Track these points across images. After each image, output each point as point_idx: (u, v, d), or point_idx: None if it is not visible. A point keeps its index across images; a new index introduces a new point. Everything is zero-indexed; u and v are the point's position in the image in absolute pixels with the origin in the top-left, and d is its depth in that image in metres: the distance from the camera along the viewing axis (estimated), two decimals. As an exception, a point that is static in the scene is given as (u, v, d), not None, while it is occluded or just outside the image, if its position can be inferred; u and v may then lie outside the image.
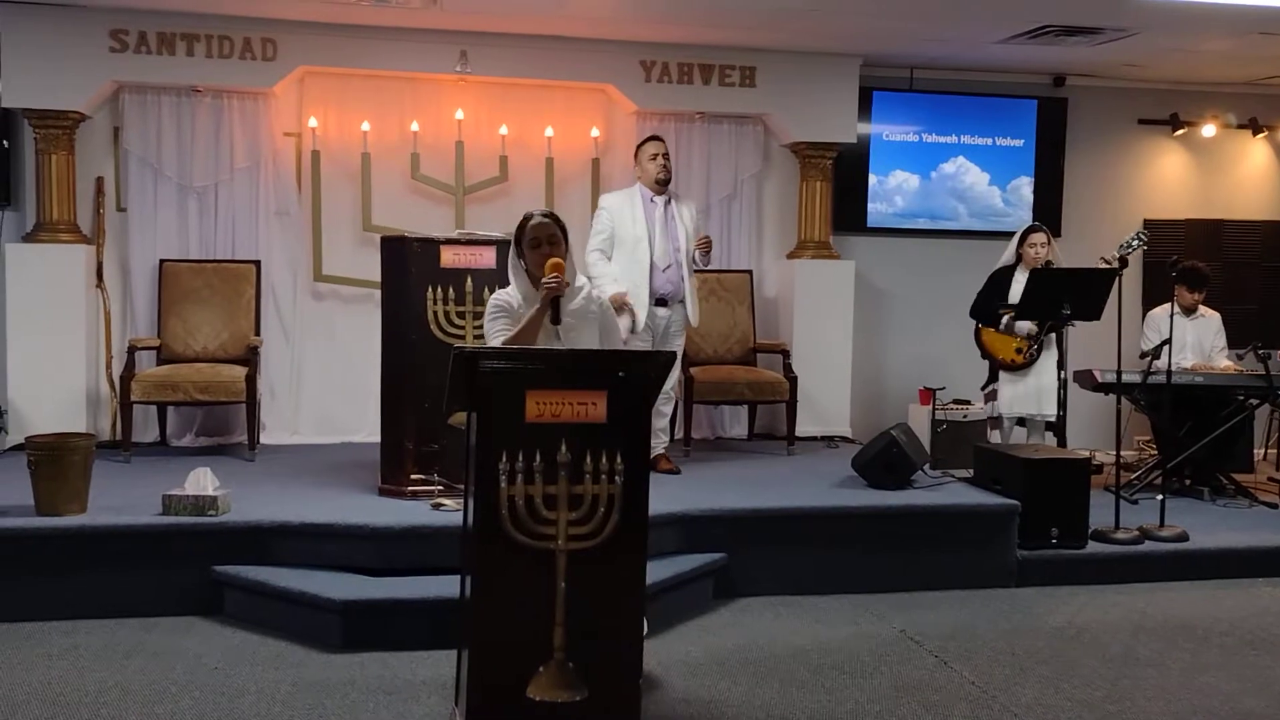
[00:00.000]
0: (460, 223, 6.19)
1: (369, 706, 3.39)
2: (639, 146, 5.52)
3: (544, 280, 3.45)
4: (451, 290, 4.64)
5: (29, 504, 4.28)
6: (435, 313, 4.62)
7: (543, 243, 3.50)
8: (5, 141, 6.04)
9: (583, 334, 3.57)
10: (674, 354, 3.24)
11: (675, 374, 5.44)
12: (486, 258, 4.68)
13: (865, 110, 6.95)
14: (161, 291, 6.06)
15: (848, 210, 7.09)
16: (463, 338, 4.62)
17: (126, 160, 6.17)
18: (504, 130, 6.34)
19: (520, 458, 2.88)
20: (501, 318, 3.56)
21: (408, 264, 4.66)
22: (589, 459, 2.92)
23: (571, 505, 2.92)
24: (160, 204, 6.19)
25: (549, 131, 6.39)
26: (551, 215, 3.59)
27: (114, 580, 4.17)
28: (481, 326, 4.59)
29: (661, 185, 5.39)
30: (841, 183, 7.00)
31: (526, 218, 3.57)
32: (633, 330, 4.99)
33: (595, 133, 6.52)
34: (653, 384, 3.04)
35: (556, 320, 3.45)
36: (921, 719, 3.42)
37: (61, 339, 5.91)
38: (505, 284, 4.62)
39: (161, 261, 6.11)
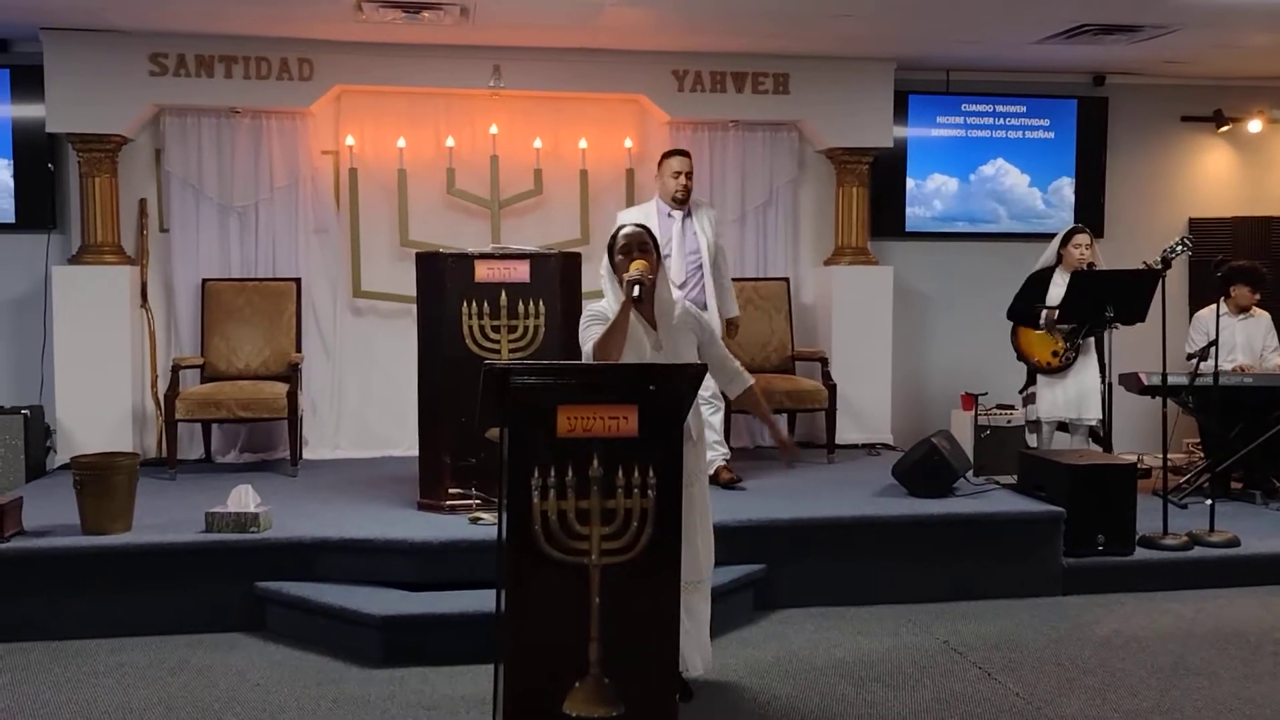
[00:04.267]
0: (496, 236, 6.22)
1: (408, 722, 3.40)
2: (663, 158, 5.43)
3: (626, 276, 3.44)
4: (486, 304, 4.65)
5: (75, 523, 4.35)
6: (470, 327, 4.64)
7: (634, 249, 3.51)
8: (51, 165, 6.17)
9: (680, 346, 3.56)
10: (704, 366, 3.20)
11: (712, 380, 5.36)
12: (521, 271, 4.69)
13: (901, 114, 6.89)
14: (204, 310, 6.16)
15: (885, 215, 7.03)
16: (498, 352, 4.63)
17: (168, 182, 6.27)
18: (538, 143, 6.36)
19: (552, 472, 2.88)
20: (595, 324, 3.53)
21: (443, 279, 4.68)
22: (621, 473, 2.91)
23: (604, 520, 2.91)
24: (202, 224, 6.29)
25: (583, 144, 6.41)
26: (643, 227, 3.62)
27: (159, 598, 4.23)
28: (517, 340, 4.66)
29: (679, 203, 5.33)
30: (879, 187, 6.94)
31: (619, 229, 3.61)
32: (636, 299, 4.81)
33: (629, 144, 6.53)
34: (684, 397, 3.02)
35: (639, 300, 3.41)
36: (965, 732, 3.37)
37: (107, 359, 6.01)
38: (539, 297, 4.71)
39: (204, 281, 6.21)
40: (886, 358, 6.74)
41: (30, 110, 6.05)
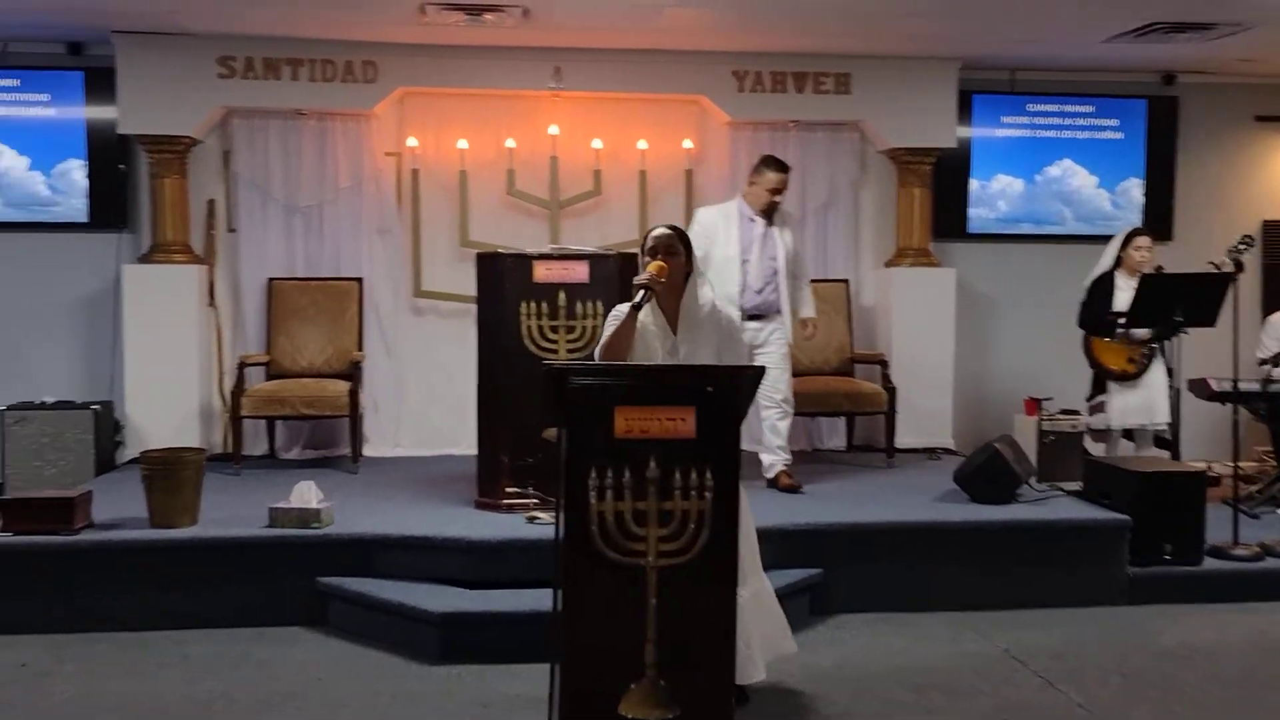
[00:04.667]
0: (555, 237, 6.25)
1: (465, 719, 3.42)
2: (762, 164, 5.30)
3: (635, 279, 3.44)
4: (544, 305, 4.67)
5: (143, 516, 4.44)
6: (529, 327, 4.66)
7: (659, 251, 3.50)
8: (122, 166, 6.32)
9: (700, 348, 3.52)
10: (763, 369, 3.17)
11: (787, 386, 5.33)
12: (579, 272, 4.70)
13: (965, 114, 6.80)
14: (270, 309, 6.27)
15: (948, 216, 6.94)
16: (556, 352, 4.65)
17: (236, 183, 6.39)
18: (597, 144, 6.38)
19: (610, 473, 2.88)
20: (612, 324, 3.53)
21: (501, 279, 4.71)
22: (678, 475, 2.90)
23: (661, 521, 2.91)
24: (268, 224, 6.41)
25: (642, 144, 6.41)
26: (676, 229, 3.60)
27: (223, 591, 4.31)
28: (575, 340, 4.68)
29: (765, 215, 5.29)
30: (941, 188, 6.85)
31: (651, 229, 3.61)
32: (635, 305, 4.64)
33: (688, 144, 6.51)
34: (743, 399, 3.01)
35: (639, 306, 3.39)
36: (1026, 743, 3.31)
37: (176, 356, 6.13)
38: (597, 297, 4.72)
39: (270, 280, 6.32)
40: (948, 361, 6.66)
41: (103, 112, 6.20)
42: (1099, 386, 5.70)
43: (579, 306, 4.68)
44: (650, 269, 3.41)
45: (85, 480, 5.50)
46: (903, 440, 6.22)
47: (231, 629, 4.22)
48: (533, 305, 4.67)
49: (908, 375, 6.34)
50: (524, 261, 4.71)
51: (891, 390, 6.06)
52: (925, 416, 6.55)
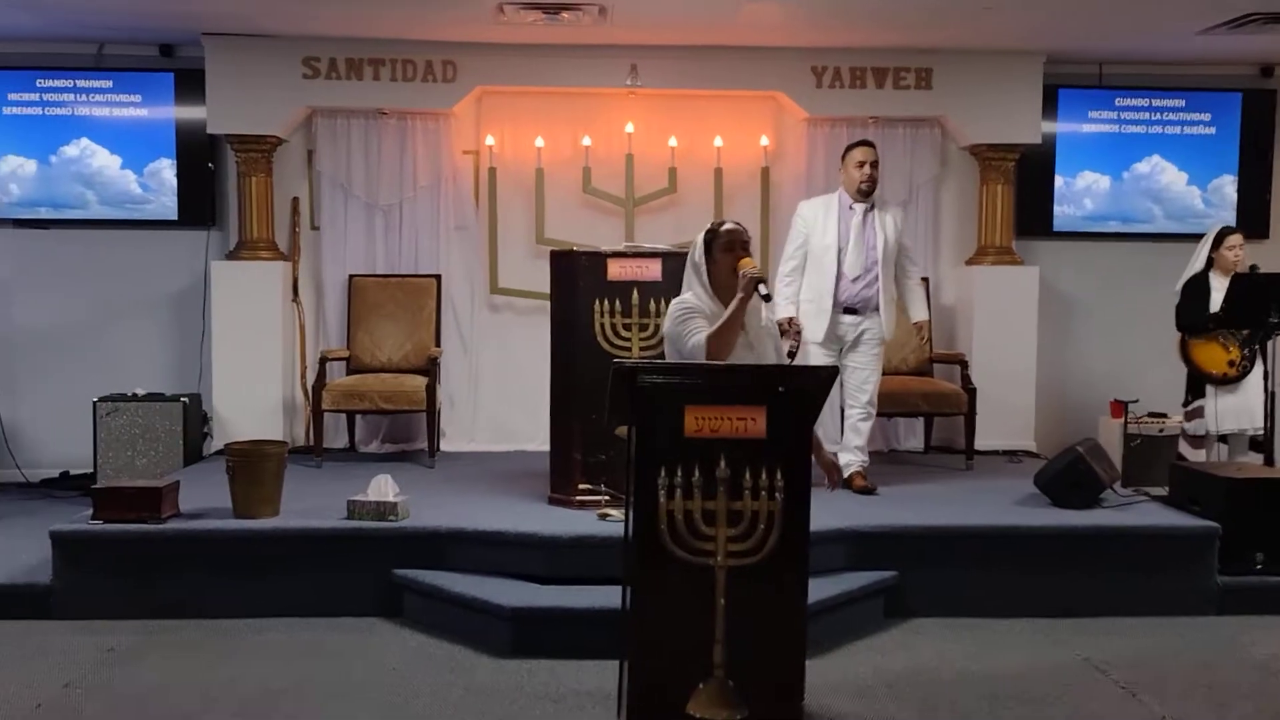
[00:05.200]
0: (630, 235, 6.25)
1: (535, 714, 3.45)
2: (846, 150, 5.28)
3: (746, 271, 3.50)
4: (618, 302, 4.68)
5: (228, 506, 4.56)
6: (602, 325, 4.67)
7: (736, 246, 3.58)
8: (211, 165, 6.49)
9: (767, 348, 3.63)
10: (835, 370, 3.15)
11: (874, 387, 5.24)
12: (653, 270, 4.70)
13: (1050, 109, 6.63)
14: (350, 305, 6.39)
15: (1032, 214, 6.79)
16: (629, 350, 4.66)
17: (319, 181, 6.52)
18: (673, 142, 6.37)
19: (679, 473, 2.88)
20: (695, 317, 3.57)
21: (575, 277, 4.73)
22: (748, 475, 2.89)
23: (731, 521, 2.90)
24: (350, 222, 6.52)
25: (718, 141, 6.38)
26: (741, 225, 3.69)
27: (303, 581, 4.40)
28: (648, 338, 4.67)
29: (864, 195, 5.20)
30: (1025, 185, 6.71)
31: (719, 224, 3.67)
32: (790, 354, 4.66)
33: (765, 141, 6.47)
34: (814, 399, 2.98)
35: (768, 298, 3.55)
36: (1105, 755, 3.22)
37: (260, 351, 6.29)
38: (671, 296, 4.67)
39: (351, 276, 6.44)
40: (1030, 361, 6.51)
41: (193, 112, 6.37)
42: (1196, 391, 5.52)
43: (652, 304, 4.67)
44: (747, 264, 3.51)
45: (174, 470, 5.66)
46: (982, 442, 6.10)
47: (309, 618, 4.30)
48: (606, 303, 4.68)
49: (988, 376, 6.21)
50: (598, 259, 4.73)
51: (971, 391, 5.95)
52: (1006, 418, 6.42)
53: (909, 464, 6.15)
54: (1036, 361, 6.52)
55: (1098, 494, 4.90)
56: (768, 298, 3.46)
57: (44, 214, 6.50)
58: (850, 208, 5.20)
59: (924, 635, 4.24)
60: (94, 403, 5.98)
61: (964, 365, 6.14)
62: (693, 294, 3.65)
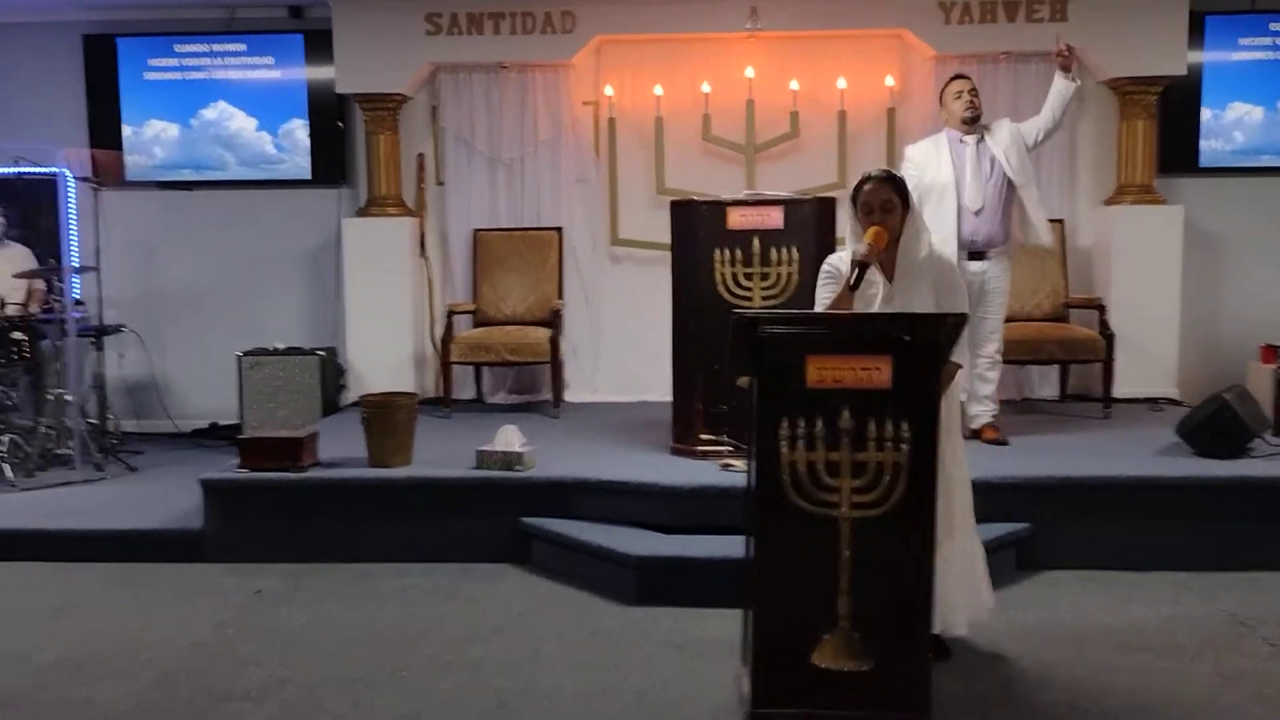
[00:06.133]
0: (751, 183, 6.17)
1: (660, 660, 3.50)
2: (943, 88, 5.17)
3: (854, 250, 3.30)
4: (739, 251, 4.63)
5: (363, 456, 4.72)
6: (723, 274, 4.64)
7: (874, 209, 3.27)
8: (340, 124, 6.66)
9: (916, 295, 3.32)
10: (964, 316, 3.04)
11: (1000, 335, 5.07)
12: (774, 218, 4.63)
13: (1196, 37, 6.25)
14: (475, 259, 6.50)
15: (1176, 150, 6.43)
16: (750, 299, 4.62)
17: (443, 137, 6.62)
18: (795, 85, 6.24)
19: (801, 424, 2.85)
20: (828, 284, 3.42)
21: (695, 226, 4.70)
22: (873, 426, 2.84)
23: (855, 473, 2.86)
24: (473, 177, 6.62)
25: (841, 83, 6.23)
26: (889, 177, 3.34)
27: (435, 527, 4.54)
28: (769, 287, 4.63)
29: (969, 124, 5.03)
30: (1168, 120, 6.36)
31: (862, 180, 3.34)
32: (851, 286, 4.52)
33: (890, 81, 6.28)
34: (942, 348, 2.90)
35: (855, 287, 3.25)
36: (1250, 712, 3.10)
37: (391, 305, 6.47)
38: (793, 243, 4.64)
39: (475, 231, 6.54)
40: (1174, 305, 6.21)
41: (322, 73, 6.54)
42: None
43: (773, 253, 4.62)
44: (868, 238, 3.24)
45: (312, 421, 5.89)
46: (1121, 390, 5.87)
47: (443, 564, 4.45)
48: (727, 252, 4.64)
49: (1128, 320, 5.96)
50: (718, 208, 4.68)
51: (1109, 337, 5.72)
52: (1147, 365, 6.16)
53: (1043, 413, 5.97)
54: (1180, 305, 6.22)
55: (1245, 443, 4.68)
56: (854, 286, 3.22)
57: (187, 176, 6.78)
58: (961, 141, 5.03)
59: (1058, 588, 4.14)
60: (238, 357, 6.26)
61: (1102, 310, 5.89)
62: (845, 252, 3.42)
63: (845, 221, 3.46)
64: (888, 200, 3.28)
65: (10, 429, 5.58)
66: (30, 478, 5.46)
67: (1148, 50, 6.10)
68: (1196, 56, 6.29)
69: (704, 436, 4.72)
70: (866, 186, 3.32)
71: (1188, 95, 6.37)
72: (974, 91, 5.04)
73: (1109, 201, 6.39)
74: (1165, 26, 6.08)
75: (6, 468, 5.41)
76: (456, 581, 4.28)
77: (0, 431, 5.49)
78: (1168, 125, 6.37)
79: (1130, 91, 6.24)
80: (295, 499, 4.58)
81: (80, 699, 3.25)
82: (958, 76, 5.17)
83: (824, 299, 3.41)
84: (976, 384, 5.14)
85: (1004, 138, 5.02)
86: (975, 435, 5.05)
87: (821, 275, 3.47)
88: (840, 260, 3.43)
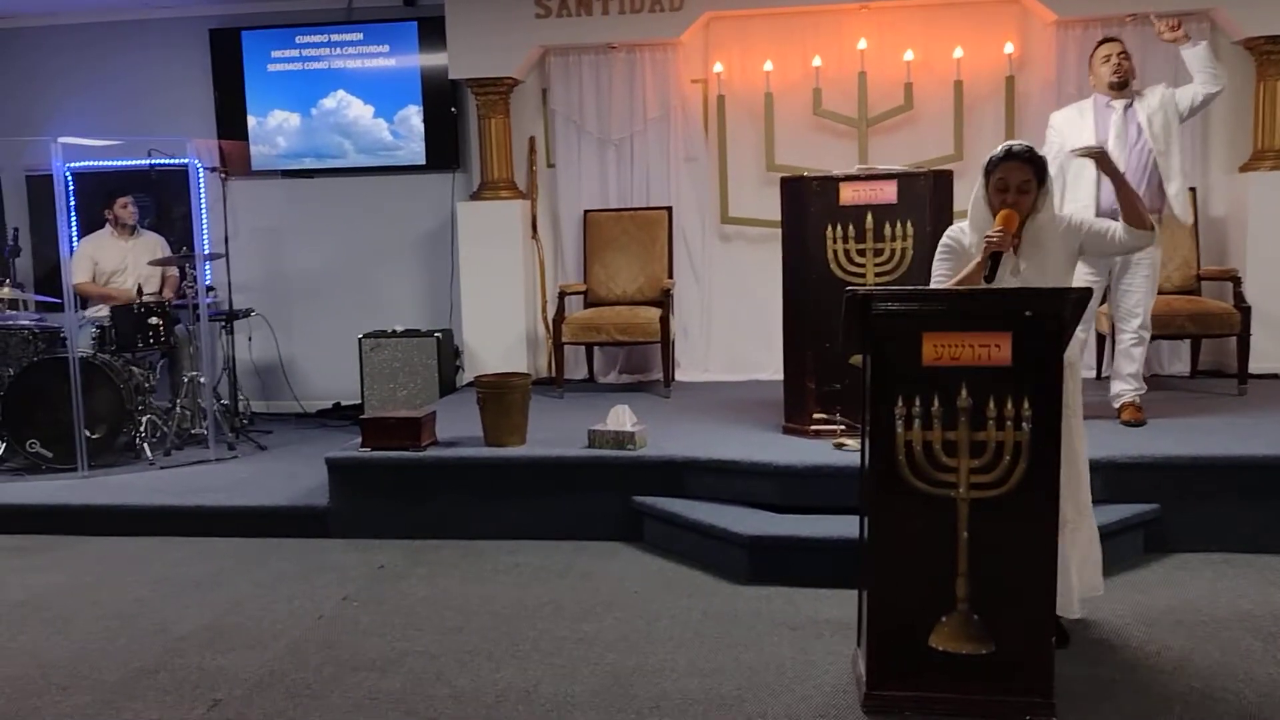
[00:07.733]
0: (863, 157, 6.06)
1: (774, 640, 3.48)
2: (1093, 52, 4.98)
3: (986, 234, 3.15)
4: (851, 228, 4.56)
5: (479, 435, 4.81)
6: (835, 251, 4.58)
7: (1010, 189, 3.12)
8: (454, 109, 6.77)
9: (1046, 269, 3.17)
10: (1088, 291, 2.92)
11: (1147, 310, 4.85)
12: (887, 193, 4.54)
13: (1342, -10, 5.89)
14: (586, 240, 6.54)
15: (1319, 111, 6.09)
16: (863, 276, 4.54)
17: (553, 119, 6.68)
18: (908, 56, 6.09)
19: (917, 402, 2.79)
20: (947, 260, 3.31)
21: (806, 203, 4.64)
22: (992, 404, 2.77)
23: (973, 452, 2.79)
24: (583, 158, 6.66)
25: (958, 52, 6.06)
26: (1030, 155, 3.14)
27: (550, 505, 4.61)
28: (883, 264, 4.54)
29: (1117, 89, 4.83)
30: (1311, 79, 6.02)
31: (1004, 154, 3.15)
32: (986, 278, 4.28)
33: (1009, 49, 6.08)
34: (1064, 324, 2.81)
35: (990, 279, 3.13)
36: (1403, 707, 2.93)
37: (504, 287, 6.57)
38: (907, 218, 4.54)
39: (585, 212, 6.59)
40: (1316, 276, 5.90)
41: (435, 59, 6.66)
42: None
43: (887, 228, 4.53)
44: (999, 222, 3.10)
45: (430, 401, 6.03)
46: (1258, 365, 5.61)
47: (557, 541, 4.51)
48: (839, 228, 4.57)
49: (1266, 293, 5.70)
50: (829, 184, 4.61)
51: (1245, 310, 5.45)
52: (1286, 339, 5.86)
53: (1173, 389, 5.73)
54: (1322, 276, 5.90)
55: (1397, 422, 4.41)
56: (991, 278, 3.07)
57: (308, 164, 6.99)
58: (1108, 106, 4.83)
59: (1189, 571, 3.98)
60: (359, 339, 6.44)
61: (1237, 282, 5.62)
62: (966, 225, 3.30)
63: (972, 191, 3.30)
64: (1026, 182, 3.13)
65: (149, 410, 5.86)
66: (167, 456, 5.73)
67: (1288, 6, 5.78)
68: (1342, 11, 5.93)
69: (816, 415, 4.67)
70: (1007, 163, 3.14)
71: (1332, 53, 6.01)
72: (1124, 54, 4.86)
73: (1244, 168, 6.09)
74: (1308, -20, 5.75)
75: (146, 447, 5.68)
76: (570, 559, 4.34)
77: (140, 413, 5.76)
78: (1310, 86, 6.02)
79: (1269, 51, 5.93)
80: (414, 477, 4.70)
81: (214, 668, 3.40)
82: (1107, 40, 4.98)
83: (942, 274, 3.32)
84: (1121, 361, 4.94)
85: (1154, 103, 4.82)
86: (1115, 414, 4.86)
87: (940, 248, 3.37)
88: (960, 232, 3.32)
